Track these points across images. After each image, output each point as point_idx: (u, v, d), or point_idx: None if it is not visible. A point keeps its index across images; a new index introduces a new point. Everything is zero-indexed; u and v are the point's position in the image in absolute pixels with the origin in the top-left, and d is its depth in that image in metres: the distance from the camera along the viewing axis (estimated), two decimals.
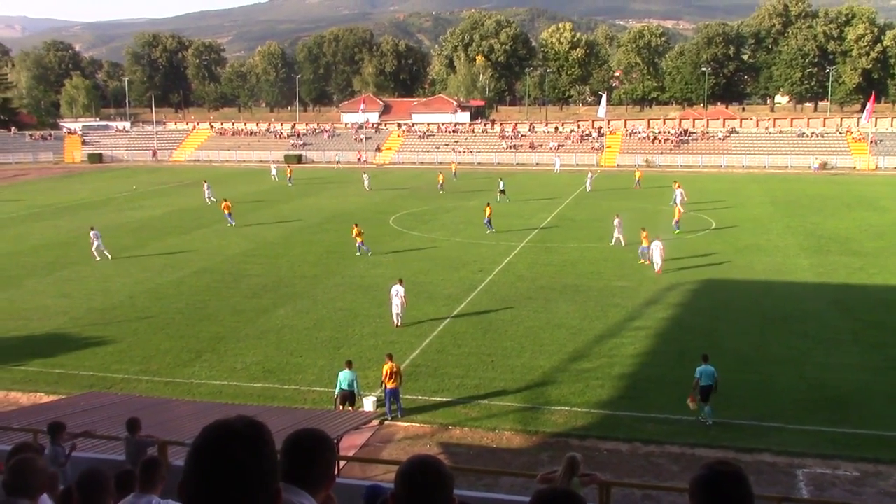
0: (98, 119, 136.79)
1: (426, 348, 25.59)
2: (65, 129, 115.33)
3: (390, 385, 20.45)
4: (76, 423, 15.03)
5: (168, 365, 24.29)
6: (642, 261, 37.08)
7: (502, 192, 59.19)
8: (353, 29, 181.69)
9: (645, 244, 37.08)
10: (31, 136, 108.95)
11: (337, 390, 20.45)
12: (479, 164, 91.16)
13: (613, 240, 41.47)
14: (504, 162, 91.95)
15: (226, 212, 49.57)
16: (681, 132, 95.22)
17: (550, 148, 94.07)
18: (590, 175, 68.76)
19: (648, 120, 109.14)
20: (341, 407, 20.16)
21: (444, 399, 21.56)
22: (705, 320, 28.69)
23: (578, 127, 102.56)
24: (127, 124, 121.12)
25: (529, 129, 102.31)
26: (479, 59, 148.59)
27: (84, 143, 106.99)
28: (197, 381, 22.97)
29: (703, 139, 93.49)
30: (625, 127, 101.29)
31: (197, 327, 28.05)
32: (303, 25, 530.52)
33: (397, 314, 27.69)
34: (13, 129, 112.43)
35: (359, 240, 39.77)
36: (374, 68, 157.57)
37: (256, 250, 41.77)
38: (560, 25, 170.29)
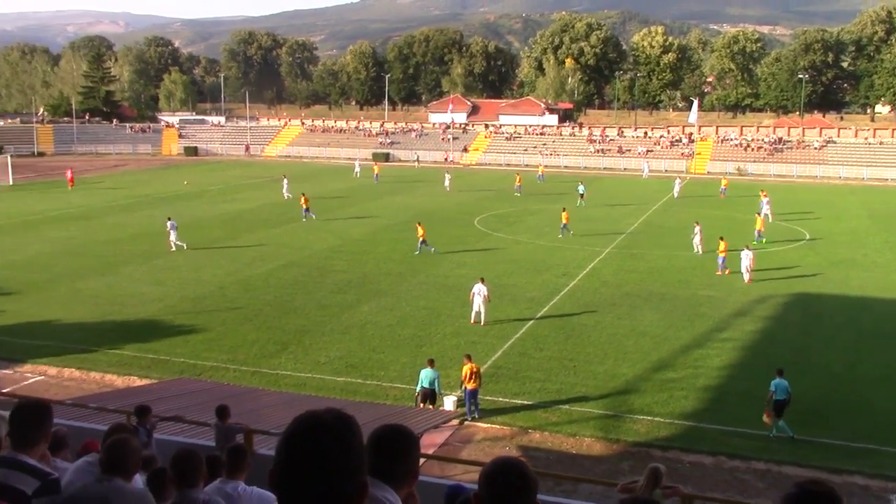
0: (194, 113, 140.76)
1: (508, 350, 25.53)
2: (163, 123, 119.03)
3: (470, 386, 20.46)
4: (166, 407, 15.50)
5: (255, 355, 24.84)
6: (719, 272, 36.18)
7: (582, 196, 58.54)
8: (444, 29, 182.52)
9: (722, 255, 36.19)
10: (131, 128, 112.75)
11: (418, 388, 20.58)
12: (565, 167, 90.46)
13: (695, 248, 40.70)
14: (591, 166, 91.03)
15: (304, 206, 50.46)
16: (775, 140, 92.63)
17: (639, 153, 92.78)
18: (678, 181, 67.51)
19: (741, 127, 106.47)
20: (422, 405, 20.28)
21: (525, 402, 21.47)
22: (796, 334, 27.88)
23: (668, 132, 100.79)
24: (222, 119, 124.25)
25: (618, 134, 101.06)
26: (569, 61, 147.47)
27: (180, 136, 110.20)
28: (282, 373, 23.42)
29: (798, 148, 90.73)
30: (716, 133, 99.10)
31: (283, 319, 28.60)
32: (394, 25, 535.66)
33: (477, 312, 27.84)
34: (115, 121, 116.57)
35: (421, 238, 39.95)
36: (464, 69, 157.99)
37: (342, 246, 42.34)
38: (652, 29, 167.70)
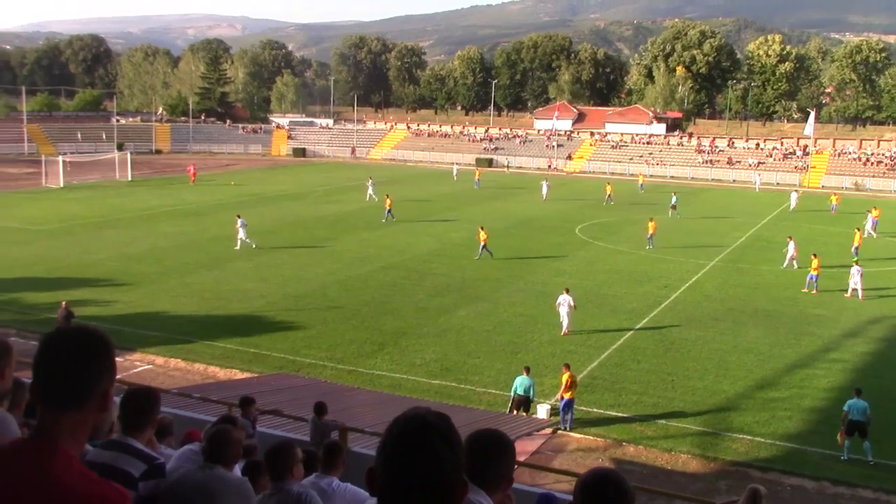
0: (304, 115, 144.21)
1: (605, 361, 25.21)
2: (273, 124, 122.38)
3: (567, 395, 20.29)
4: (266, 401, 15.91)
5: (352, 354, 25.25)
6: (805, 289, 34.77)
7: (673, 207, 57.13)
8: (552, 36, 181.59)
9: (814, 272, 34.79)
10: (243, 128, 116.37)
11: (512, 394, 20.54)
12: (671, 177, 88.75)
13: (786, 263, 39.39)
14: (699, 177, 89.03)
15: (387, 207, 51.15)
16: None
17: (749, 165, 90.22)
18: (794, 194, 65.08)
19: (860, 140, 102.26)
20: (515, 412, 20.22)
21: (620, 414, 21.16)
22: None
23: (782, 144, 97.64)
24: (330, 121, 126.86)
25: (728, 145, 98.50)
26: (680, 69, 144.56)
27: (290, 137, 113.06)
28: (378, 373, 23.73)
29: None
30: (833, 146, 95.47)
31: (381, 320, 28.98)
32: (502, 31, 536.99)
33: (566, 322, 27.65)
34: (228, 121, 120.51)
35: (483, 243, 39.78)
36: (571, 76, 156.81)
37: (442, 250, 42.62)
38: (769, 37, 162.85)
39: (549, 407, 20.75)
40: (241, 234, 41.34)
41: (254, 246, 41.11)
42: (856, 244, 43.14)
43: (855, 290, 34.00)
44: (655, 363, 25.11)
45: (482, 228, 40.84)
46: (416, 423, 2.23)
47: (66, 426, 2.47)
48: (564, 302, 27.59)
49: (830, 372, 24.79)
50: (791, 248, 39.64)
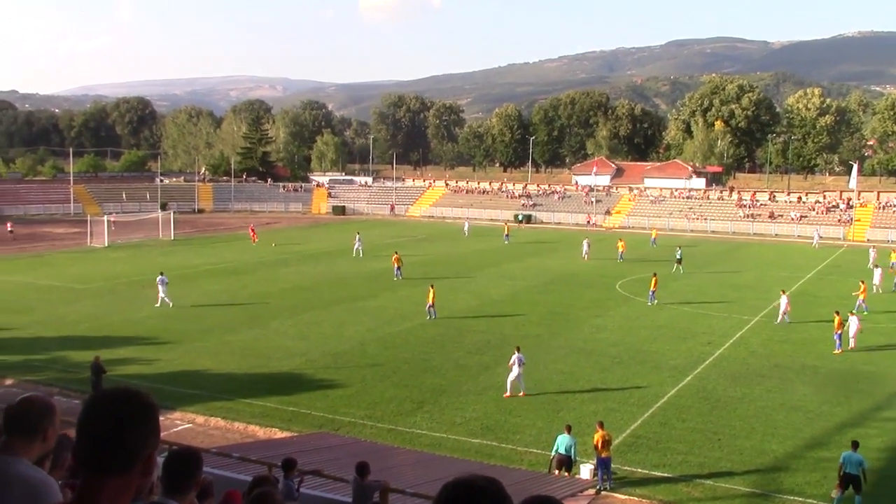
0: (343, 174, 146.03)
1: (648, 419, 24.73)
2: (314, 182, 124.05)
3: (603, 454, 19.87)
4: (306, 460, 15.78)
5: (392, 413, 25.06)
6: (837, 350, 33.62)
7: (679, 261, 56.38)
8: (590, 92, 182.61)
9: (838, 331, 33.91)
10: (283, 187, 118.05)
11: (553, 453, 20.18)
12: (712, 231, 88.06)
13: (779, 318, 39.08)
14: (740, 231, 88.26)
15: (395, 265, 51.26)
16: None
17: (792, 218, 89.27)
18: (872, 250, 61.38)
19: None
20: (557, 472, 19.85)
21: (665, 475, 20.66)
22: None
23: (825, 198, 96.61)
24: (369, 179, 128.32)
25: (769, 198, 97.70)
26: (718, 123, 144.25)
27: (329, 195, 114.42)
28: (418, 431, 23.49)
29: None
30: (877, 199, 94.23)
31: (420, 378, 28.80)
32: (540, 88, 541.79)
33: (514, 382, 26.49)
34: (269, 180, 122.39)
35: (430, 303, 38.71)
36: (609, 131, 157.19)
37: (481, 307, 42.48)
38: (808, 90, 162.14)
39: (591, 467, 20.34)
40: (161, 292, 40.96)
41: (170, 305, 40.49)
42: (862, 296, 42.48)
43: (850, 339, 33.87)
44: (700, 421, 24.58)
45: (432, 286, 39.76)
46: (464, 488, 2.18)
47: (108, 491, 2.43)
48: (519, 362, 26.51)
49: (884, 431, 24.06)
50: (783, 302, 39.10)
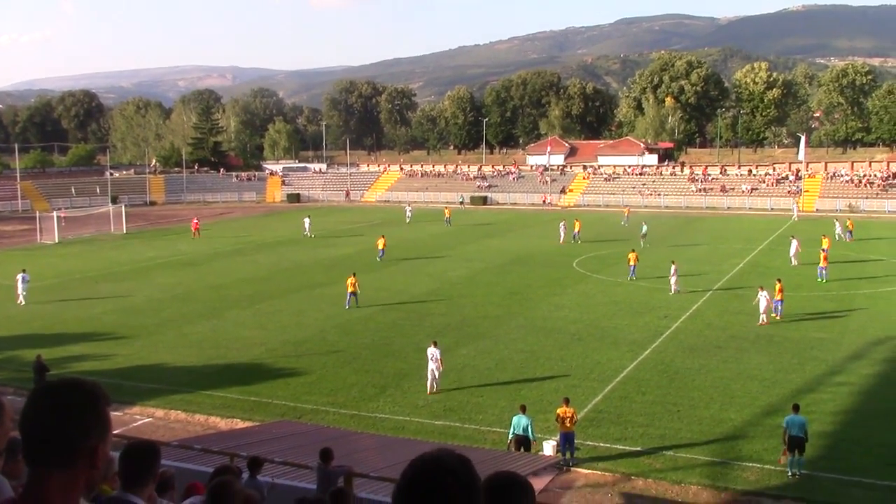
0: (297, 161, 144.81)
1: (609, 394, 25.00)
2: (267, 171, 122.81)
3: (566, 429, 19.99)
4: (268, 449, 15.69)
5: (354, 398, 25.01)
6: (776, 315, 34.26)
7: (643, 236, 57.12)
8: (541, 72, 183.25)
9: (779, 297, 34.54)
10: (237, 176, 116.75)
11: (510, 435, 20.23)
12: (666, 207, 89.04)
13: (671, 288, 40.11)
14: (693, 205, 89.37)
15: (380, 247, 52.02)
16: (888, 175, 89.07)
17: (743, 191, 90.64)
18: (837, 223, 61.67)
19: (852, 162, 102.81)
20: (516, 451, 19.92)
21: (627, 448, 20.91)
22: None
23: (774, 170, 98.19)
24: (323, 166, 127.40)
25: (720, 172, 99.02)
26: (669, 100, 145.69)
27: (284, 183, 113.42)
28: (381, 416, 23.48)
29: None
30: (825, 170, 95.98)
31: (382, 363, 28.78)
32: (491, 70, 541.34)
33: (433, 379, 25.25)
34: (222, 170, 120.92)
35: (351, 290, 37.96)
36: (561, 111, 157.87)
37: (440, 290, 42.51)
38: (755, 65, 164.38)
39: (554, 443, 20.49)
40: (20, 289, 39.99)
41: (23, 303, 39.56)
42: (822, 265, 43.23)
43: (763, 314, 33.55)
44: (660, 394, 24.90)
45: (353, 275, 38.96)
46: (431, 465, 2.15)
47: (54, 486, 2.36)
48: (433, 357, 25.22)
49: (837, 396, 24.60)
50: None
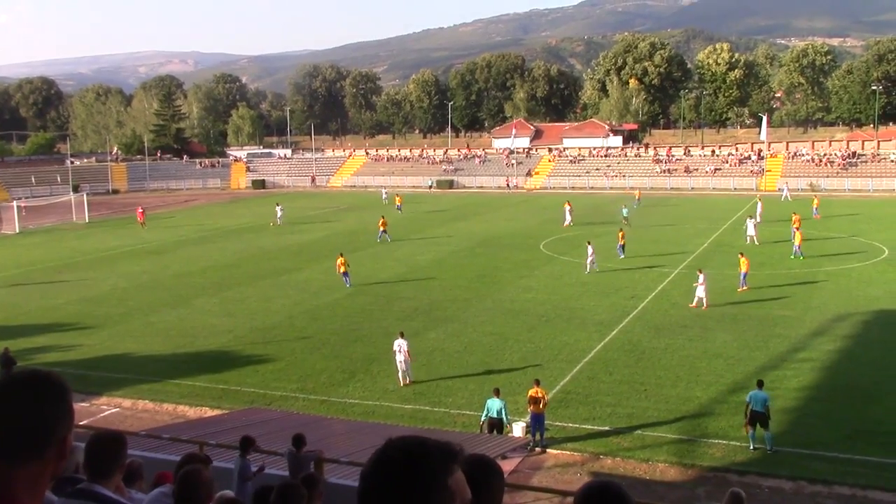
0: (261, 147, 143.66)
1: (577, 375, 25.20)
2: (231, 157, 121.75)
3: (536, 410, 20.11)
4: (238, 437, 15.63)
5: (323, 384, 24.98)
6: (741, 288, 35.73)
7: (625, 219, 57.35)
8: (505, 55, 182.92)
9: (743, 270, 35.87)
10: (200, 163, 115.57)
11: (483, 417, 20.34)
12: (631, 188, 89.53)
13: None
14: (657, 186, 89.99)
15: (381, 229, 53.28)
16: (848, 154, 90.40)
17: (707, 172, 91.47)
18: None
19: (812, 142, 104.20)
20: (488, 434, 20.03)
21: (596, 427, 21.12)
22: (879, 353, 26.90)
23: (736, 150, 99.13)
24: (288, 152, 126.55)
25: (684, 153, 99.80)
26: (633, 82, 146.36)
27: (248, 170, 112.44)
28: (350, 401, 23.48)
29: (873, 162, 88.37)
30: (786, 149, 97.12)
31: (351, 348, 28.75)
32: (456, 53, 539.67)
33: (403, 371, 24.71)
34: (185, 157, 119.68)
35: (343, 270, 38.92)
36: (526, 93, 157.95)
37: (408, 273, 42.50)
38: (717, 46, 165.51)
39: (524, 424, 20.63)
40: None
41: None
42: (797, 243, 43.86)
43: (700, 298, 33.26)
44: (627, 374, 25.16)
45: (342, 255, 40.01)
46: (406, 446, 2.13)
47: (21, 479, 2.33)
48: (400, 349, 24.58)
49: (800, 372, 25.00)
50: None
